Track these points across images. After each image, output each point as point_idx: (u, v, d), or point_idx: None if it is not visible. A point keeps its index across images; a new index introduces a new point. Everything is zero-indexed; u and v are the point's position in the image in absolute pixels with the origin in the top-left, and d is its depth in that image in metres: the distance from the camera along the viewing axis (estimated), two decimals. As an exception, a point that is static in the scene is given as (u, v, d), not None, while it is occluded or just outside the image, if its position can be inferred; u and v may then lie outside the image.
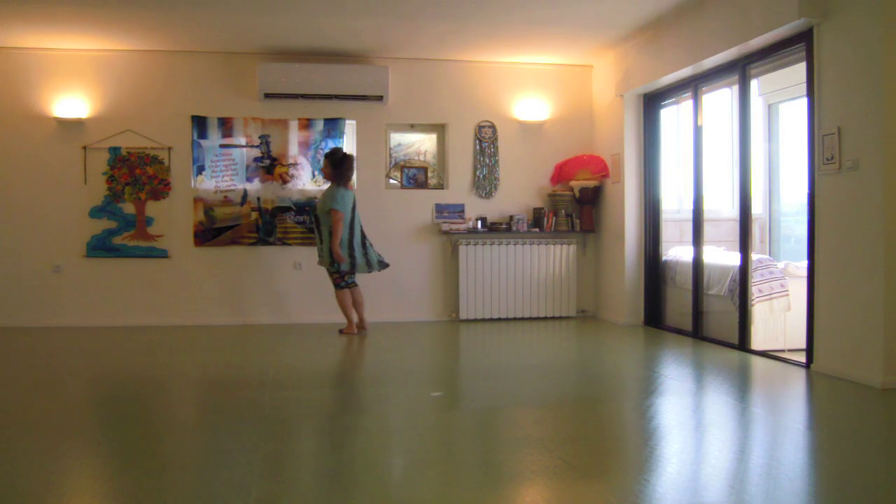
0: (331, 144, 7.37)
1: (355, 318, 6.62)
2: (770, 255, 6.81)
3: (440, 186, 7.75)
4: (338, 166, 6.43)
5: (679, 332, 6.67)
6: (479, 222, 7.60)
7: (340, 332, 6.65)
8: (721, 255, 6.36)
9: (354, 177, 7.53)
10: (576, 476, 3.00)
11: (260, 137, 7.31)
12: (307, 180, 7.38)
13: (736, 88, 5.99)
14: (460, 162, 7.70)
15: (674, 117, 7.31)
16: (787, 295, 5.75)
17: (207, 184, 7.25)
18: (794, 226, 6.98)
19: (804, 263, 5.38)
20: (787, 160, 7.00)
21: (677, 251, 7.00)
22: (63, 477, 3.03)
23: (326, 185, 7.34)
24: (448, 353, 6.40)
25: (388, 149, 7.72)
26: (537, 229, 7.67)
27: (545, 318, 7.69)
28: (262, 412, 4.00)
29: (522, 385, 4.80)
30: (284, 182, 7.33)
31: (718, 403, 4.37)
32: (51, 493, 2.82)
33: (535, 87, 7.79)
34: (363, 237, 6.54)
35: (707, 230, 6.51)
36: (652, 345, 6.28)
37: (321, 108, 7.39)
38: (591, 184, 7.62)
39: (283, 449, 3.38)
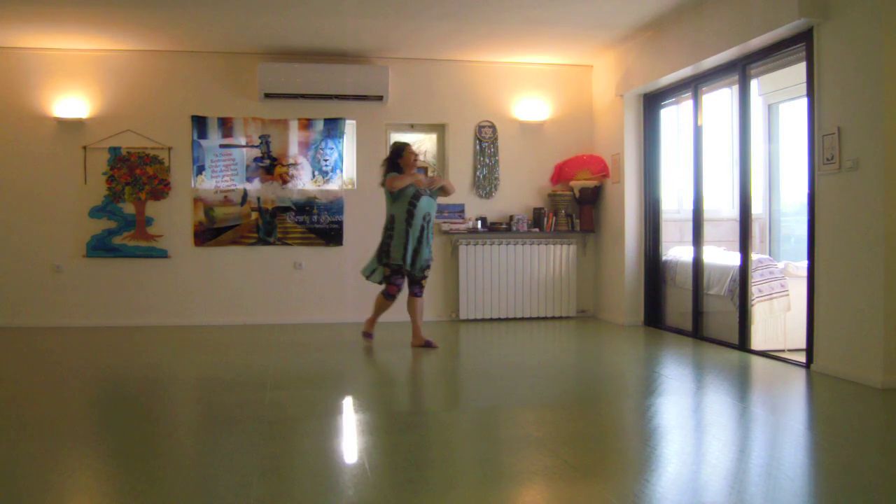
0: (331, 144, 7.37)
1: None
2: (770, 255, 6.80)
3: (440, 186, 7.74)
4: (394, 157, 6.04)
5: (679, 332, 6.67)
6: (480, 222, 7.60)
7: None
8: (721, 255, 6.36)
9: (354, 176, 7.55)
10: (576, 476, 3.01)
11: (260, 137, 7.31)
12: (307, 180, 7.37)
13: (736, 88, 5.99)
14: (460, 162, 7.70)
15: (674, 117, 7.30)
16: (787, 295, 5.75)
17: (207, 184, 7.25)
18: (794, 226, 6.97)
19: (804, 263, 5.38)
20: (787, 160, 7.00)
21: (677, 251, 6.99)
22: (63, 476, 3.03)
23: (327, 186, 7.37)
24: (448, 352, 6.39)
25: (388, 149, 7.70)
26: (537, 229, 7.66)
27: (545, 318, 7.69)
28: (262, 412, 4.00)
29: (522, 385, 4.80)
30: (284, 182, 7.33)
31: (718, 403, 4.37)
32: (51, 493, 2.82)
33: (535, 87, 7.79)
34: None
35: (707, 230, 6.51)
36: (652, 345, 6.28)
37: (321, 108, 7.39)
38: (591, 184, 7.62)
39: (283, 449, 3.38)
